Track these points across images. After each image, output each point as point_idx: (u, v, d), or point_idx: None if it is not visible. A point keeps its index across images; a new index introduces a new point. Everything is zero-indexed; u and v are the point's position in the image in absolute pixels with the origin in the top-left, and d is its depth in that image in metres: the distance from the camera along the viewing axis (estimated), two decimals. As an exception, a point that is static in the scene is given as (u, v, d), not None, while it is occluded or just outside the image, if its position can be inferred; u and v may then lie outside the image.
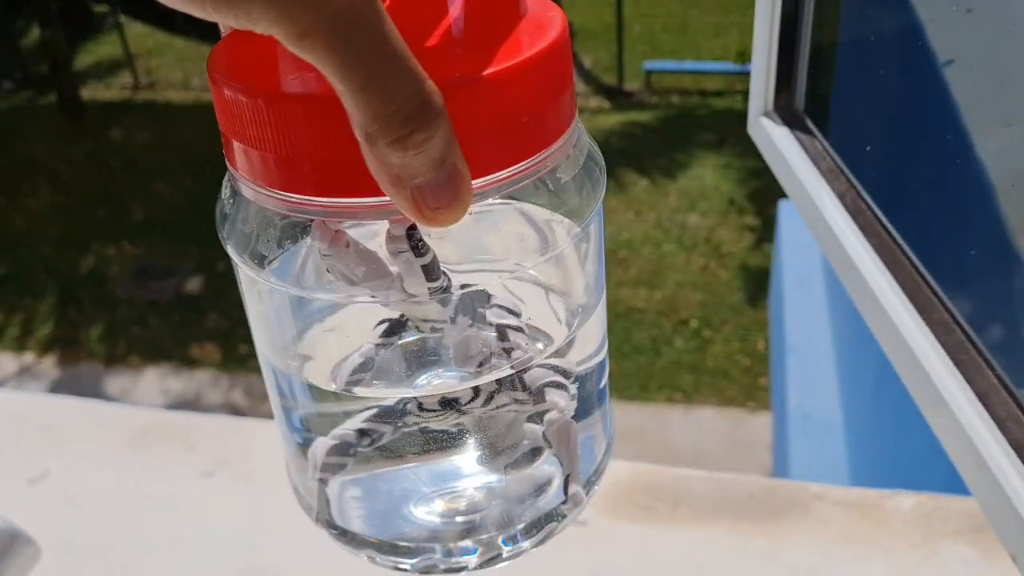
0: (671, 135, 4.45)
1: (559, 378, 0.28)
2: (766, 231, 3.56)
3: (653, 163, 4.15)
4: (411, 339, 0.28)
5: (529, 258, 0.27)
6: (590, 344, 0.30)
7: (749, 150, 3.93)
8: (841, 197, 0.50)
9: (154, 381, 3.40)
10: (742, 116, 0.61)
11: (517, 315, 0.28)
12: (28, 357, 3.63)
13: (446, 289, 0.24)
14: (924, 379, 0.37)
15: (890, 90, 0.48)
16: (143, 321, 3.65)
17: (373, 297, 0.24)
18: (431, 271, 0.23)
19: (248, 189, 0.23)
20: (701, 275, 3.40)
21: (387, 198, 0.20)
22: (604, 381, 0.32)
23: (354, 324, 0.28)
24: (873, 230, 0.46)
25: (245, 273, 0.26)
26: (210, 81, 0.23)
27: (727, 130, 4.44)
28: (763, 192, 3.78)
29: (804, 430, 1.29)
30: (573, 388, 0.29)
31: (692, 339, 3.17)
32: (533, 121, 0.22)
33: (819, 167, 0.53)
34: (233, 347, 3.46)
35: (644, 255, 3.52)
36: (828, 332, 1.44)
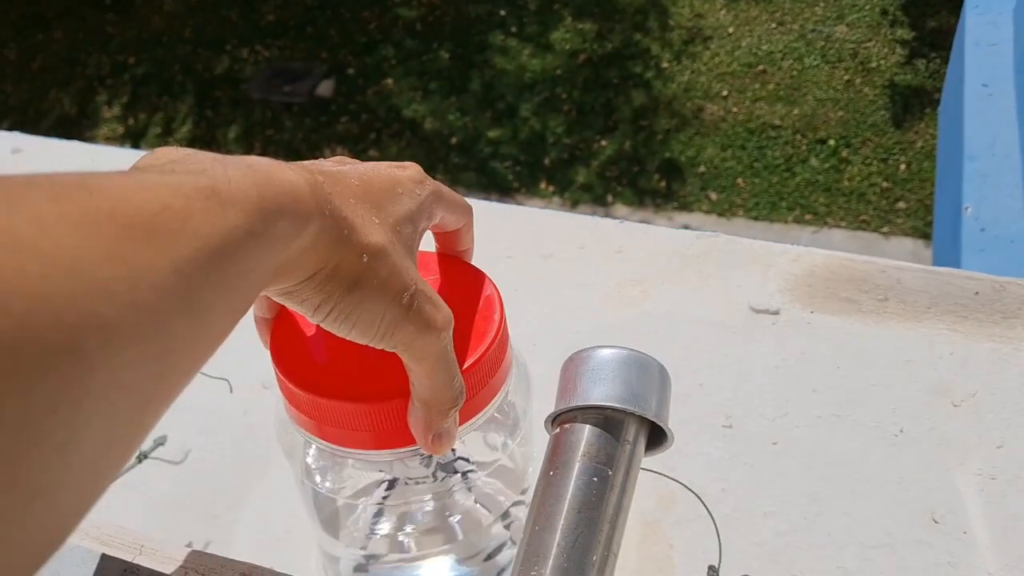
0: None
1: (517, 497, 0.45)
2: (920, 46, 3.33)
3: (799, -31, 3.87)
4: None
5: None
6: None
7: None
8: None
9: (289, 182, 3.52)
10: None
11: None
12: (172, 155, 3.79)
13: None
14: None
15: None
16: (277, 124, 3.74)
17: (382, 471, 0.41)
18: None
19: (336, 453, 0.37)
20: (844, 91, 3.24)
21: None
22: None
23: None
24: None
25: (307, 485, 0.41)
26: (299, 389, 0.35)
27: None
28: (921, 1, 3.51)
29: (979, 245, 1.24)
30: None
31: (829, 159, 3.07)
32: (491, 385, 0.37)
33: None
34: (364, 151, 3.53)
35: (784, 69, 3.36)
36: (1015, 140, 1.35)
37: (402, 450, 0.36)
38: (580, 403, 0.36)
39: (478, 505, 0.44)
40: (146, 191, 0.22)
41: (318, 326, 0.34)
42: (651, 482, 0.51)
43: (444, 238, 0.40)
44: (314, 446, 0.38)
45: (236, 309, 0.25)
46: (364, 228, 0.30)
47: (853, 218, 2.95)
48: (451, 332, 0.33)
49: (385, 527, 0.43)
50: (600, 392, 0.36)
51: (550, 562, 0.33)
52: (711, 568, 0.38)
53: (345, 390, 0.35)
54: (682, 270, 0.65)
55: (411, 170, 0.35)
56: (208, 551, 0.42)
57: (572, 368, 0.37)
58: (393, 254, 0.31)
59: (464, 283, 0.40)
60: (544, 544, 0.33)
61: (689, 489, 0.43)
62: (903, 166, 2.99)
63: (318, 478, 0.41)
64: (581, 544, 0.34)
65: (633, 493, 0.36)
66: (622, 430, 0.36)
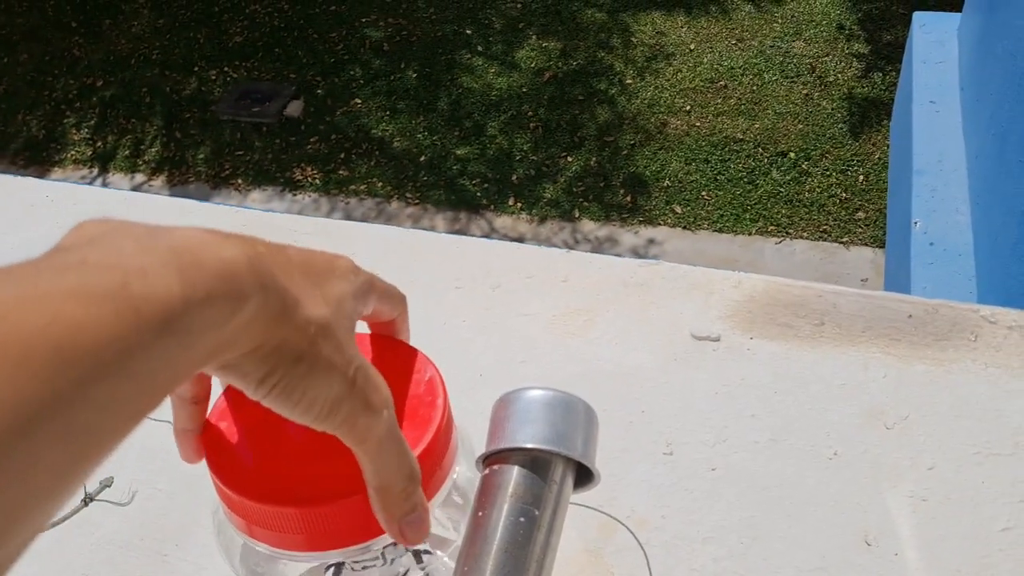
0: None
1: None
2: (876, 59, 3.39)
3: (759, -15, 3.94)
4: None
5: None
6: None
7: (868, -30, 3.65)
8: None
9: (259, 203, 3.53)
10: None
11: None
12: (140, 177, 3.78)
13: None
14: None
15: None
16: (247, 144, 3.74)
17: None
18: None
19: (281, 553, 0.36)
20: (803, 105, 3.29)
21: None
22: None
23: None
24: None
25: None
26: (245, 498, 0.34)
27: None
28: (876, 16, 3.57)
29: (928, 258, 1.27)
30: None
31: (790, 171, 3.12)
32: (440, 471, 0.37)
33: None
34: (334, 171, 3.54)
35: (744, 84, 3.41)
36: (961, 155, 1.38)
37: (339, 551, 0.36)
38: (508, 445, 0.37)
39: None
40: (35, 302, 0.20)
41: (254, 425, 0.34)
42: (593, 512, 0.52)
43: (379, 329, 0.40)
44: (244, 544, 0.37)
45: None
46: (309, 302, 0.29)
47: (815, 229, 3.00)
48: (392, 411, 0.32)
49: None
50: (527, 434, 0.37)
51: (478, 603, 0.34)
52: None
53: (280, 492, 0.34)
54: (626, 298, 0.66)
55: (344, 260, 0.35)
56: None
57: (501, 410, 0.38)
58: (337, 329, 0.30)
59: (403, 365, 0.39)
60: (472, 585, 0.34)
61: (620, 522, 0.44)
62: (861, 177, 3.04)
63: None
64: (509, 584, 0.35)
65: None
66: (549, 470, 0.37)
